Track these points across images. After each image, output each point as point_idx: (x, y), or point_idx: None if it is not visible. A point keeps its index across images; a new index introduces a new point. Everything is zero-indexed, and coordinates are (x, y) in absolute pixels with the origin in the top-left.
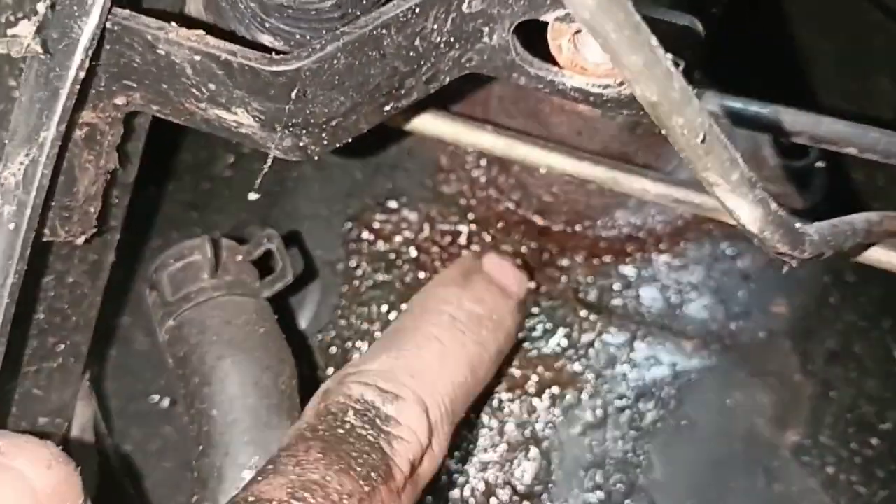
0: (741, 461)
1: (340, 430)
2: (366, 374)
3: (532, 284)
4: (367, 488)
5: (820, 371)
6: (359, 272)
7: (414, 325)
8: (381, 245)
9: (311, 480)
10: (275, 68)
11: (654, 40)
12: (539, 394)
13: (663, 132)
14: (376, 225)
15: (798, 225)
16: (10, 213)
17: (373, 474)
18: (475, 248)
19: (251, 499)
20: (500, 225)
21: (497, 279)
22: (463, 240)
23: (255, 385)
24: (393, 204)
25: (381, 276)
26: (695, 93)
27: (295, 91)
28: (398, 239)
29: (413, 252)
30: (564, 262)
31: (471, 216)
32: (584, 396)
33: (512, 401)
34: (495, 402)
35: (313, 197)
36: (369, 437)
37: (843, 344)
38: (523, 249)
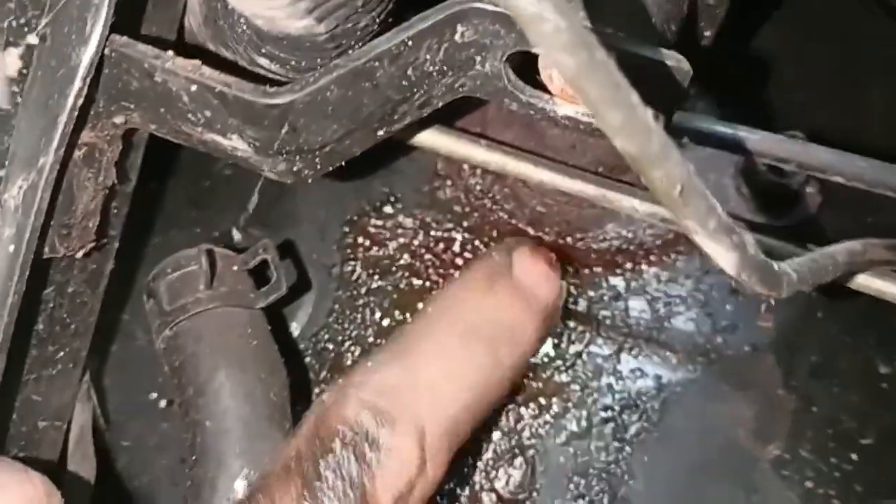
0: (721, 473)
1: (323, 464)
2: (366, 389)
3: (565, 284)
4: None
5: (802, 385)
6: (354, 277)
7: (427, 332)
8: (375, 251)
9: None
10: (269, 101)
11: (634, 98)
12: (526, 403)
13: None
14: (372, 230)
15: (776, 267)
16: (10, 235)
17: None
18: (468, 256)
19: None
20: (493, 234)
21: (526, 284)
22: (457, 247)
23: (248, 396)
24: (389, 209)
25: (375, 283)
26: (675, 144)
27: (288, 122)
28: (393, 245)
29: (407, 258)
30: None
31: (465, 224)
32: (570, 406)
33: (498, 409)
34: None
35: (311, 199)
36: (352, 474)
37: (827, 358)
38: None
